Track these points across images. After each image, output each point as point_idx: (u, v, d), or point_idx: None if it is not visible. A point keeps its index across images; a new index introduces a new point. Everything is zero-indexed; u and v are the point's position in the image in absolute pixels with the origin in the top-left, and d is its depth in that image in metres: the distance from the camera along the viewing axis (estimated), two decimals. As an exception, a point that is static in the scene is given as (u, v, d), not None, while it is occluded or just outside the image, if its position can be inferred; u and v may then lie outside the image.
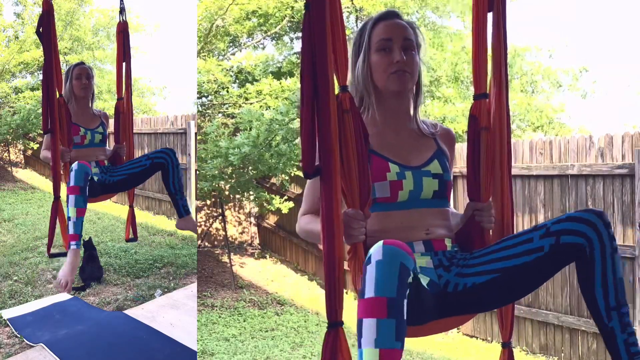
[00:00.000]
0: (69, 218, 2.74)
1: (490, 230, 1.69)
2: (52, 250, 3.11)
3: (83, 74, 3.28)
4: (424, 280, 1.53)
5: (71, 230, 2.73)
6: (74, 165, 2.78)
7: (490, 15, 1.67)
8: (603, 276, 1.39)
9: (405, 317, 1.23)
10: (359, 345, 1.23)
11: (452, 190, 1.71)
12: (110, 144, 3.54)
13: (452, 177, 1.70)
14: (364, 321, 1.22)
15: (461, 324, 1.74)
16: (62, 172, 3.02)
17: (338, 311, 1.39)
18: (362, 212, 1.46)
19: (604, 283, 1.39)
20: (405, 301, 1.24)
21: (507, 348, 1.70)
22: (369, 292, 1.23)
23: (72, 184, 2.74)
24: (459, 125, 6.06)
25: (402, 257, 1.24)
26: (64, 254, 3.12)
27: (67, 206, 2.76)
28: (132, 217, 3.57)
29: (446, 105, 7.34)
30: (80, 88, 3.27)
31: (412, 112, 1.70)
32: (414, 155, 1.64)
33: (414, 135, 1.68)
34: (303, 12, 1.41)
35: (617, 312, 1.39)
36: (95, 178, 3.17)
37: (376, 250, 1.25)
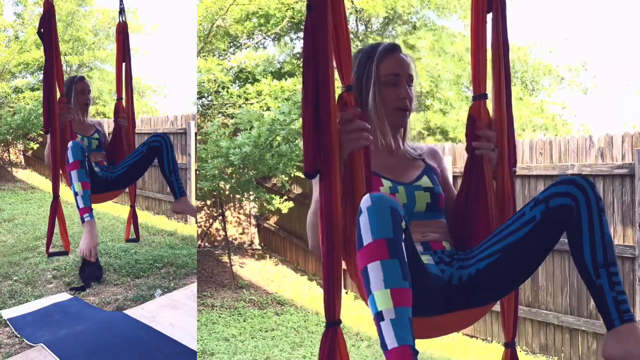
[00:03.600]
0: (76, 193, 2.80)
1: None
2: (51, 250, 3.12)
3: (86, 89, 3.47)
4: None
5: (81, 204, 2.79)
6: (70, 144, 2.84)
7: (490, 16, 1.68)
8: (590, 234, 1.38)
9: (406, 259, 1.25)
10: (368, 293, 1.23)
11: (445, 203, 1.73)
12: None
13: (442, 191, 1.74)
14: (369, 267, 1.23)
15: (470, 324, 1.73)
16: (60, 172, 3.05)
17: (336, 310, 1.39)
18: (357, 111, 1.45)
19: (592, 241, 1.38)
20: (403, 244, 1.26)
21: (510, 348, 1.69)
22: (367, 239, 1.25)
23: (71, 160, 2.80)
24: (461, 130, 6.08)
25: (391, 202, 1.27)
26: (64, 253, 3.13)
27: (72, 183, 2.81)
28: (134, 217, 3.59)
29: (447, 115, 7.37)
30: (83, 103, 3.46)
31: (402, 138, 1.80)
32: (405, 173, 1.73)
33: (405, 157, 1.78)
34: (304, 12, 1.41)
35: (605, 269, 1.38)
36: (99, 175, 3.21)
37: (364, 201, 1.29)
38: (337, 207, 1.41)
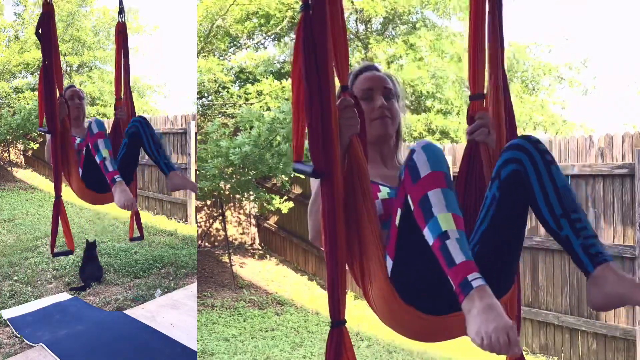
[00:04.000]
0: (104, 158, 2.88)
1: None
2: (55, 250, 3.12)
3: (75, 95, 3.53)
4: None
5: (110, 168, 2.88)
6: (93, 119, 2.98)
7: (486, 16, 1.68)
8: (542, 189, 1.36)
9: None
10: (429, 217, 1.29)
11: None
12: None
13: None
14: (430, 193, 1.30)
15: None
16: (62, 173, 3.06)
17: (341, 310, 1.40)
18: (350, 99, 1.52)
19: (545, 195, 1.36)
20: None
21: None
22: (425, 170, 1.32)
23: (96, 130, 2.91)
24: (462, 132, 6.09)
25: (441, 149, 1.37)
26: (68, 252, 3.14)
27: (98, 150, 2.90)
28: (136, 215, 3.59)
29: (448, 117, 7.37)
30: (74, 108, 3.50)
31: (395, 155, 1.83)
32: None
33: (399, 167, 1.81)
34: (300, 12, 1.40)
35: (566, 219, 1.34)
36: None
37: (418, 144, 1.38)
38: (340, 207, 1.42)
